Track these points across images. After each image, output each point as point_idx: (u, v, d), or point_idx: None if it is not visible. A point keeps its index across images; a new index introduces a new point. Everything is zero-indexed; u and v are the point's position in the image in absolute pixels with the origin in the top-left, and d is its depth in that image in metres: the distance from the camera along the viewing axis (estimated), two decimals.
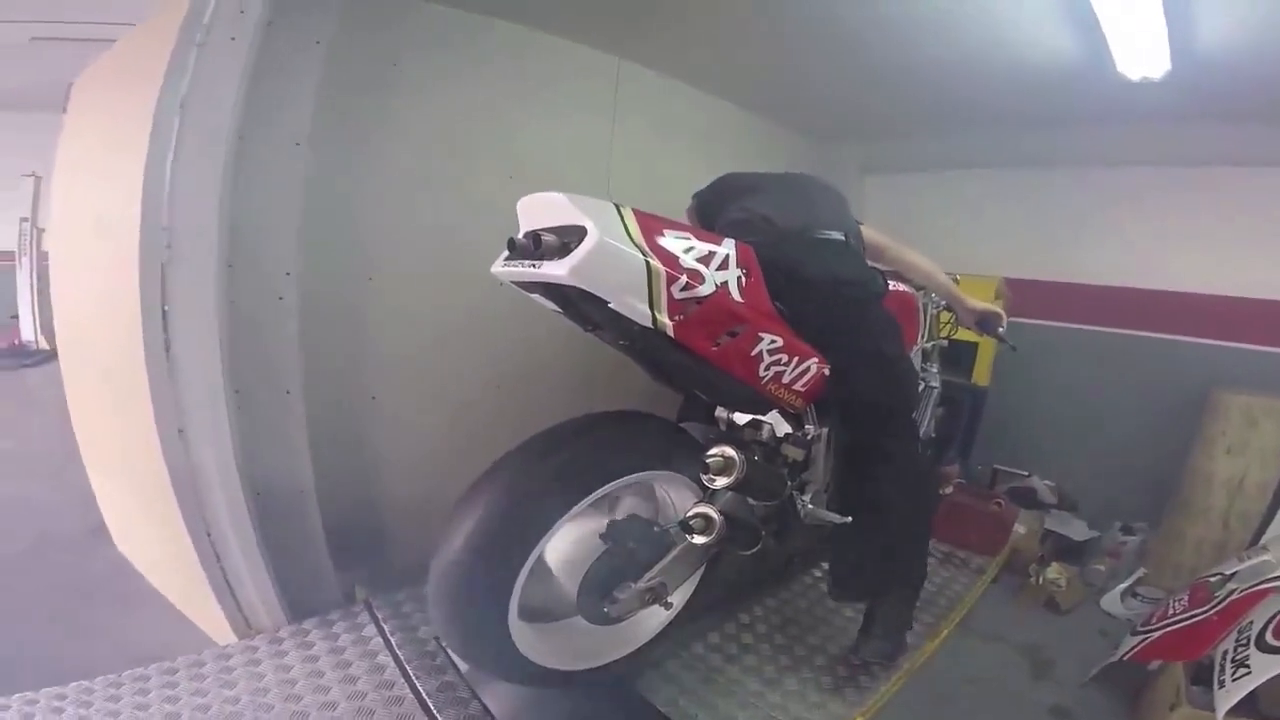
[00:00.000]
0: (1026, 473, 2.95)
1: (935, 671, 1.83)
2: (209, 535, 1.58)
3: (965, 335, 2.35)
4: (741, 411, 1.50)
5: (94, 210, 1.78)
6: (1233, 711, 1.37)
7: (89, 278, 1.86)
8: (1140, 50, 1.95)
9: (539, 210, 1.17)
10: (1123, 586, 2.31)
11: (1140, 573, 2.36)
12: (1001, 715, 1.73)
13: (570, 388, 2.25)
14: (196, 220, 1.45)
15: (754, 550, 1.50)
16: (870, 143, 3.45)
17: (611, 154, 2.44)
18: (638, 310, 1.12)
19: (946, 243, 2.90)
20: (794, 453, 1.51)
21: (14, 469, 2.93)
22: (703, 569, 1.53)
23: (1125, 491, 2.80)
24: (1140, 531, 2.65)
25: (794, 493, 1.56)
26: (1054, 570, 2.37)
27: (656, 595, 1.39)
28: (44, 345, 5.00)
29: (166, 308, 1.45)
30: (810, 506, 1.59)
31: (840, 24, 2.15)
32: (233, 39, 1.45)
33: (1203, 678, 1.53)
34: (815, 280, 1.46)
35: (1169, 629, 1.76)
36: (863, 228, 1.78)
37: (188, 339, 1.47)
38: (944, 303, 2.17)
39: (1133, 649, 1.78)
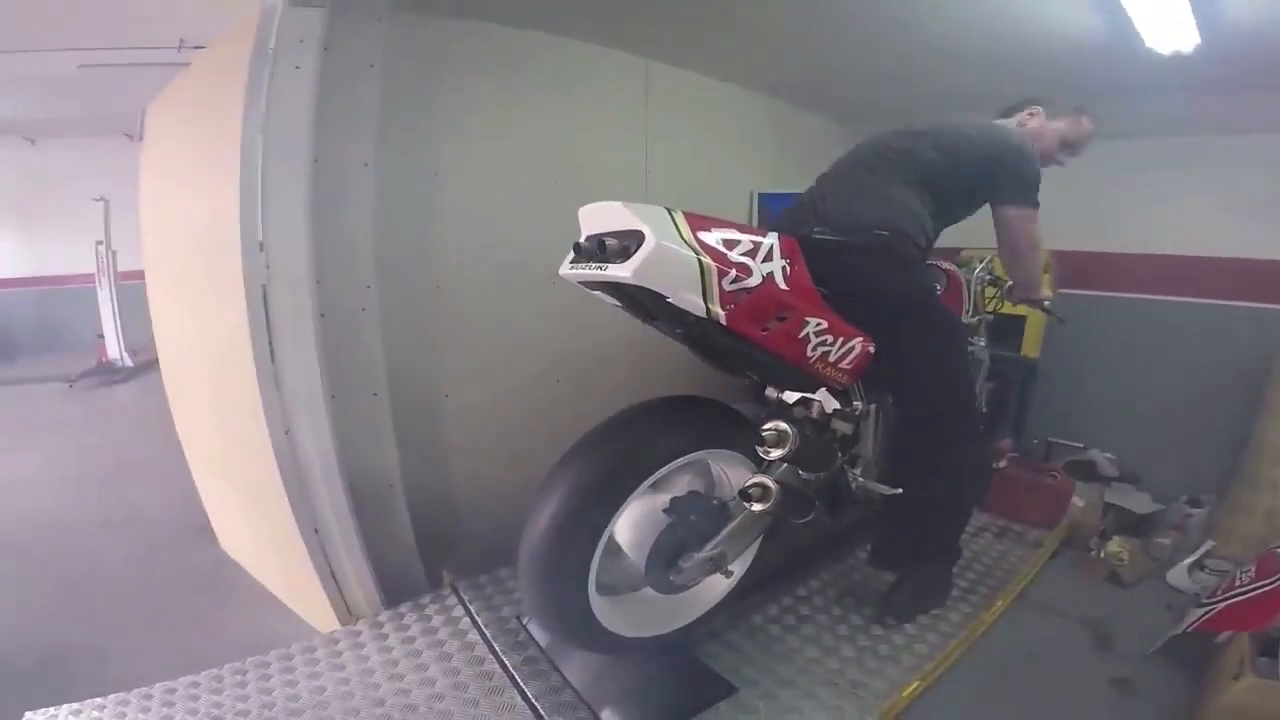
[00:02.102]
0: (1083, 445, 2.89)
1: (992, 643, 1.84)
2: (316, 530, 1.74)
3: (1010, 309, 2.35)
4: (791, 390, 1.58)
5: (190, 233, 1.94)
6: None
7: (191, 297, 2.03)
8: (1167, 25, 1.92)
9: (599, 217, 1.29)
10: (1190, 560, 2.24)
11: (1208, 545, 2.29)
12: (1060, 687, 1.71)
13: (628, 376, 2.36)
14: (289, 240, 1.61)
15: (807, 519, 1.57)
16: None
17: (648, 152, 2.55)
18: (693, 303, 1.23)
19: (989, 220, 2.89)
20: (843, 427, 1.59)
21: (123, 476, 3.20)
22: (760, 539, 1.61)
23: (1188, 462, 2.71)
24: (1207, 504, 2.57)
25: (845, 465, 1.64)
26: (1115, 544, 2.33)
27: (717, 564, 1.49)
28: (128, 363, 5.29)
29: (270, 321, 1.61)
30: (861, 479, 1.67)
31: (866, 7, 2.15)
32: (297, 67, 1.56)
33: (1271, 649, 1.50)
34: (856, 282, 1.52)
35: (1235, 599, 1.73)
36: (1019, 212, 1.70)
37: (289, 349, 1.64)
38: (988, 277, 2.19)
39: (1197, 620, 1.75)
